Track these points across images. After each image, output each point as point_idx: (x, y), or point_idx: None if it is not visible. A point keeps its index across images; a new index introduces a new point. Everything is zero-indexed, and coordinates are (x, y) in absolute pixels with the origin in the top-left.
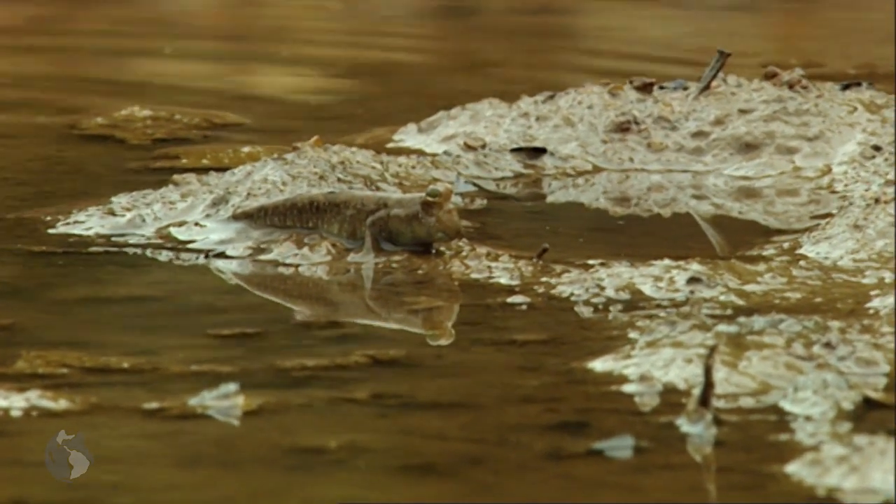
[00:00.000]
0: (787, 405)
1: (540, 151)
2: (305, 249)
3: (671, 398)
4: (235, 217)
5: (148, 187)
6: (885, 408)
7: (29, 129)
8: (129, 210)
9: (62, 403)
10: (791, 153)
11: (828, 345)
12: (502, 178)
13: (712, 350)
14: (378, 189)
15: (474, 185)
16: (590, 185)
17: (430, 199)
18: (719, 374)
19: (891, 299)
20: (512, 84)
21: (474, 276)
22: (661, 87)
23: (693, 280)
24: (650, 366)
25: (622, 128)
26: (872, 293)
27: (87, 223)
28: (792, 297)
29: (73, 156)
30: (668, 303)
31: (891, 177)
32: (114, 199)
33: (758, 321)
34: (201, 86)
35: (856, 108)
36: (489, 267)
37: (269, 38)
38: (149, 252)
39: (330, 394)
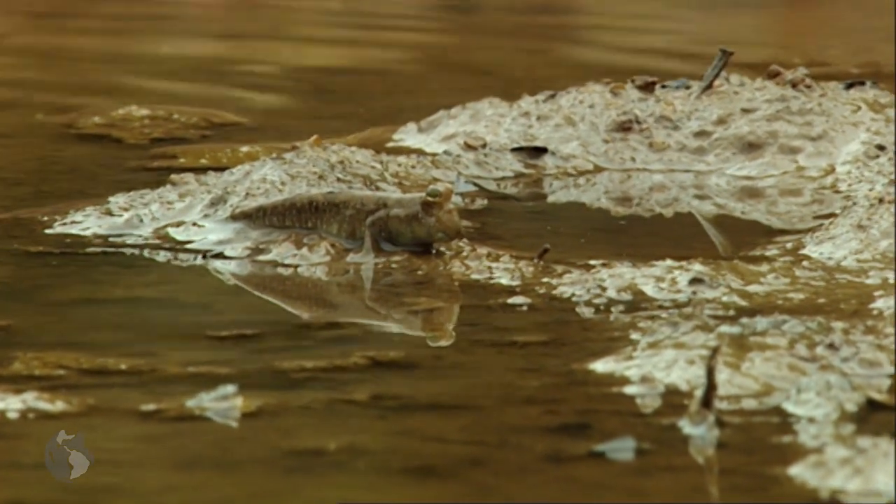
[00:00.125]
0: (790, 407)
1: (541, 151)
2: (304, 250)
3: (673, 400)
4: (234, 217)
5: (145, 187)
6: (888, 409)
7: (25, 129)
8: (126, 210)
9: (59, 405)
10: (794, 153)
11: (831, 346)
12: (503, 178)
13: (715, 351)
14: (378, 189)
15: (475, 184)
16: (591, 184)
17: (430, 198)
18: (722, 375)
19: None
20: (513, 83)
21: (475, 276)
22: (664, 86)
23: (695, 281)
24: (652, 367)
25: (624, 127)
26: (876, 294)
27: (84, 223)
28: (795, 297)
29: (70, 155)
30: (670, 303)
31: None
32: (111, 199)
33: (760, 322)
34: (200, 85)
35: (859, 108)
36: (490, 267)
37: (269, 37)
38: (146, 252)
39: (329, 395)
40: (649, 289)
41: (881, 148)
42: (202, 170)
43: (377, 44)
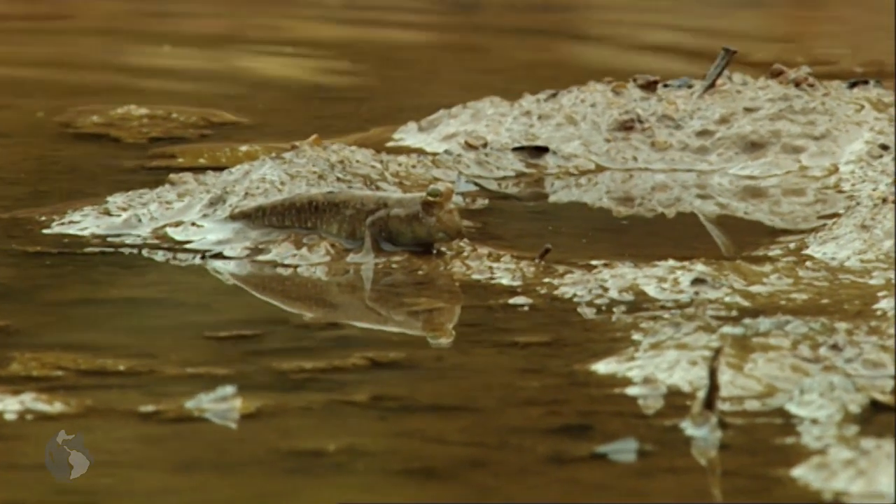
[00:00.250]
0: (793, 408)
1: (542, 150)
2: (304, 250)
3: (675, 401)
4: (233, 217)
5: (144, 187)
6: (892, 411)
7: (23, 128)
8: (124, 210)
9: (57, 406)
10: (797, 152)
11: (834, 347)
12: (504, 178)
13: (717, 352)
14: (378, 188)
15: (475, 184)
16: (593, 184)
17: (430, 198)
18: (724, 376)
19: None
20: (514, 82)
21: (475, 276)
22: (666, 85)
23: (698, 281)
24: (654, 368)
25: (626, 126)
26: (880, 294)
27: (83, 223)
28: (798, 298)
29: (69, 155)
30: (672, 304)
31: None
32: (109, 198)
33: (763, 323)
34: (199, 84)
35: (863, 107)
36: (490, 268)
37: (270, 37)
38: (145, 252)
39: (329, 396)
40: (651, 289)
41: (885, 147)
42: (201, 169)
43: (377, 43)
